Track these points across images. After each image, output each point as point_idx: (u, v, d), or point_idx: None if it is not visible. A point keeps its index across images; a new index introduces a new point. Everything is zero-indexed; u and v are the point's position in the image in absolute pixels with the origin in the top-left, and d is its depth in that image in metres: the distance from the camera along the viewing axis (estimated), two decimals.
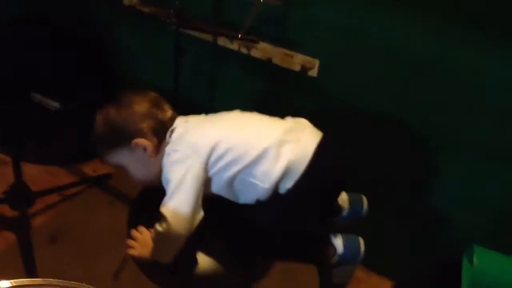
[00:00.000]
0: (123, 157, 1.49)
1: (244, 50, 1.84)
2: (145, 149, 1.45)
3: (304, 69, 1.76)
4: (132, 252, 1.46)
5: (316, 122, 1.76)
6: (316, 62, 1.73)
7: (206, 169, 1.39)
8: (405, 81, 1.62)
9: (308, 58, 1.74)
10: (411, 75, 1.60)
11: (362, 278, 1.96)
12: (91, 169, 2.30)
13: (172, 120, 1.49)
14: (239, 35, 1.58)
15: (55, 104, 2.25)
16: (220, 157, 1.38)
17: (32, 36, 2.20)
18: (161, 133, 1.47)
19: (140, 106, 1.46)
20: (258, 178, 1.37)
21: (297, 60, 1.76)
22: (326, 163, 1.39)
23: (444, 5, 1.46)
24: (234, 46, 1.85)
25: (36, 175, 2.18)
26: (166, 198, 1.38)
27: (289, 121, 1.49)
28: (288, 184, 1.36)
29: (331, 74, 1.73)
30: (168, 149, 1.43)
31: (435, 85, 1.57)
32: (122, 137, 1.45)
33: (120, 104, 1.47)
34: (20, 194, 1.95)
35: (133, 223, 1.53)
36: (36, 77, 2.26)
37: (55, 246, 1.92)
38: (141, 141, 1.45)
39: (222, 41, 1.88)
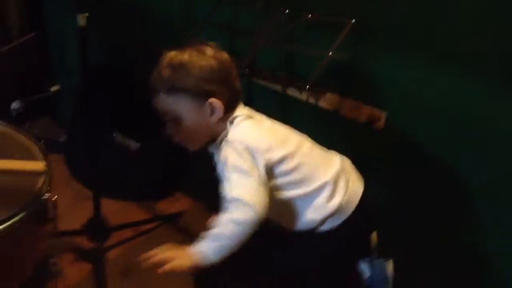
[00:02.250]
0: (184, 109, 1.37)
1: (312, 101, 1.90)
2: (213, 112, 1.37)
3: (371, 121, 1.79)
4: (171, 266, 1.28)
5: (377, 174, 1.76)
6: (383, 115, 1.76)
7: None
8: (474, 141, 1.61)
9: (375, 110, 1.77)
10: (480, 135, 1.60)
11: None
12: (165, 206, 2.41)
13: (240, 94, 1.43)
14: (308, 85, 1.63)
15: (135, 145, 2.41)
16: (286, 173, 1.37)
17: (108, 81, 2.37)
18: (232, 102, 1.40)
19: (226, 66, 1.39)
20: (310, 209, 1.40)
21: (364, 112, 1.80)
22: (368, 211, 1.44)
23: None
24: (303, 96, 1.91)
25: (114, 210, 2.31)
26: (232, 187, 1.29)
27: (338, 159, 1.48)
28: (329, 225, 1.40)
29: (397, 127, 1.75)
30: (232, 141, 1.33)
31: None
32: (200, 90, 1.35)
33: (207, 55, 1.37)
34: (98, 228, 2.09)
35: None
36: (117, 118, 2.44)
37: (126, 280, 2.02)
38: (217, 103, 1.36)
39: (291, 92, 1.95)
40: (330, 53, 1.57)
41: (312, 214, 1.40)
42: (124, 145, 2.44)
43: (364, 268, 1.46)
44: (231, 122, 1.39)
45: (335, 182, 1.41)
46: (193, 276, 1.57)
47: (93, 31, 1.88)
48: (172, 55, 1.38)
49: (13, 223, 1.18)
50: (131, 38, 2.44)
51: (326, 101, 1.86)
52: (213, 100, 1.36)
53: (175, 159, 2.45)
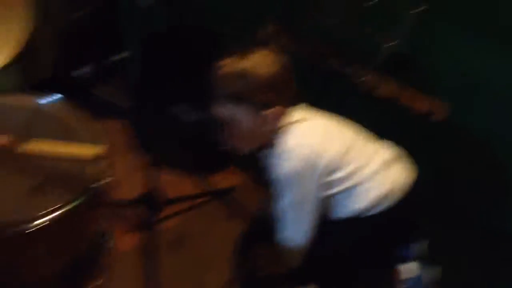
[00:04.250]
0: (240, 116, 1.39)
1: (370, 88, 1.82)
2: (269, 121, 1.40)
3: (431, 112, 1.71)
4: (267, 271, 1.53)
5: (432, 167, 1.73)
6: (444, 106, 1.69)
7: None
8: None
9: (436, 101, 1.70)
10: None
11: None
12: (218, 180, 2.42)
13: (296, 96, 1.44)
14: (367, 72, 1.61)
15: (193, 117, 2.42)
16: (337, 183, 1.42)
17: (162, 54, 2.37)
18: (288, 109, 1.42)
19: (285, 72, 1.39)
20: (345, 203, 1.44)
21: (424, 102, 1.73)
22: (410, 203, 1.46)
23: None
24: (361, 83, 1.85)
25: (167, 182, 2.32)
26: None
27: (386, 152, 1.51)
28: (370, 212, 1.44)
29: (458, 120, 1.68)
30: (283, 151, 1.38)
31: None
32: (259, 100, 1.37)
33: (267, 62, 1.37)
34: (152, 200, 2.13)
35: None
36: (175, 90, 2.45)
37: (175, 252, 2.07)
38: (273, 113, 1.39)
39: (348, 78, 1.88)
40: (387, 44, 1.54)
41: (348, 207, 1.44)
42: (184, 115, 2.47)
43: (413, 268, 1.43)
44: (284, 130, 1.41)
45: (374, 176, 1.43)
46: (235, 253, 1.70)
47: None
48: (235, 61, 1.38)
49: (70, 209, 1.22)
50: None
51: (385, 89, 1.80)
52: (270, 110, 1.38)
53: None
